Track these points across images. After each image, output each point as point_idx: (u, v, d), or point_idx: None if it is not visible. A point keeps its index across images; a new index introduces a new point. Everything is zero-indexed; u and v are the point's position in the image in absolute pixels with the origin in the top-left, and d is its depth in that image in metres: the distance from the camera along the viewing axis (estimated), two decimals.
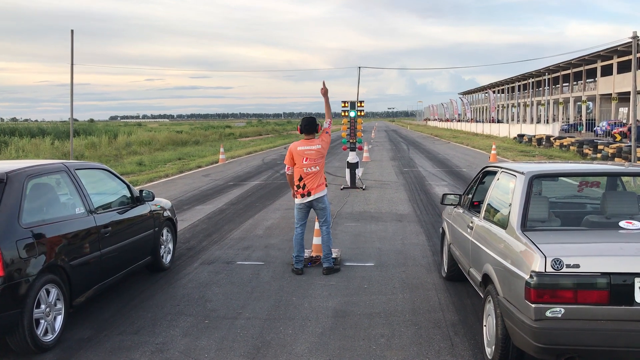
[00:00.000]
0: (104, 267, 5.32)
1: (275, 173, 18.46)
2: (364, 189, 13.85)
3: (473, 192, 5.09)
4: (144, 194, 6.39)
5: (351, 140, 14.22)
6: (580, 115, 48.32)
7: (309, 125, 6.36)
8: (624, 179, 4.21)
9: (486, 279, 3.55)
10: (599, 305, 2.58)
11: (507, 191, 3.76)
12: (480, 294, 3.80)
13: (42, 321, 4.48)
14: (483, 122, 66.99)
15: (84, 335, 4.80)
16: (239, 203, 11.95)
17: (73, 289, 4.85)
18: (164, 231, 6.79)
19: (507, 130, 44.30)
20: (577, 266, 2.66)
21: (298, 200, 6.38)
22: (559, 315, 2.64)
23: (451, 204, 5.38)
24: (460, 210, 5.09)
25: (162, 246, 6.72)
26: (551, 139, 29.41)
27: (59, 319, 4.69)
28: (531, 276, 2.64)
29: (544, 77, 61.74)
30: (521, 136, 35.00)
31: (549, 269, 2.64)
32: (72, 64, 17.44)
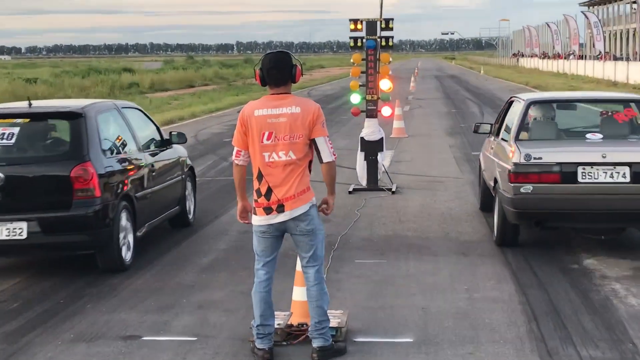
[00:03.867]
0: (153, 206, 9.32)
1: (221, 161, 18.08)
2: (393, 192, 13.29)
3: (499, 120, 10.50)
4: (173, 137, 10.09)
5: (369, 97, 13.42)
6: None
7: (278, 68, 6.06)
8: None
9: (495, 181, 9.17)
10: (554, 184, 7.99)
11: (515, 114, 9.45)
12: (493, 194, 9.50)
13: (122, 242, 8.43)
14: (629, 59, 61.83)
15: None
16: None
17: (137, 220, 8.76)
18: (188, 181, 10.64)
19: None
20: (540, 159, 8.13)
21: (258, 220, 6.16)
22: (529, 191, 8.02)
23: (484, 132, 11.21)
24: (491, 138, 10.55)
25: (187, 198, 10.61)
26: None
27: (131, 244, 8.70)
28: (513, 165, 7.97)
29: None
30: None
31: (522, 161, 7.93)
32: None
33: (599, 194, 8.52)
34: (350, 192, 13.30)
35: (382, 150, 13.58)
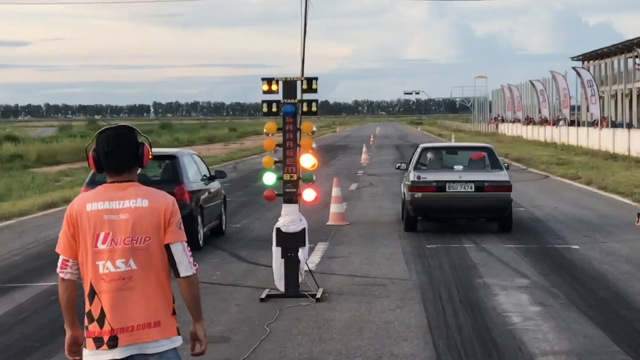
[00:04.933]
0: (209, 215, 18.58)
1: None
2: (318, 299, 13.03)
3: (410, 160, 21.56)
4: (217, 174, 20.27)
5: (287, 176, 13.33)
6: None
7: (118, 150, 5.74)
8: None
9: (404, 194, 20.79)
10: (433, 192, 19.39)
11: (415, 155, 21.45)
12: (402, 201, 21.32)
13: (199, 232, 17.73)
14: (630, 125, 62.37)
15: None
16: None
17: (204, 221, 18.05)
18: (222, 204, 20.21)
19: None
20: (425, 178, 19.61)
21: (86, 356, 5.63)
22: (419, 196, 19.36)
23: (403, 169, 21.91)
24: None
25: (223, 214, 20.33)
26: None
27: (202, 235, 18.00)
28: (410, 182, 19.57)
29: None
30: None
31: (415, 179, 19.54)
32: None
33: (458, 199, 19.47)
34: (262, 300, 12.81)
35: (304, 245, 13.18)
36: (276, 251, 13.21)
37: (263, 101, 13.29)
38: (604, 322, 11.37)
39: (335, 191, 22.08)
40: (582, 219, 22.13)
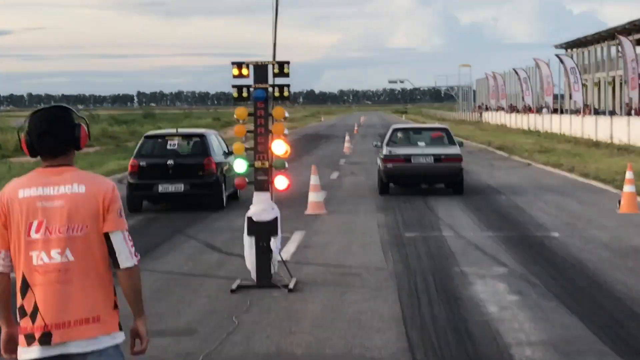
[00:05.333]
0: (228, 183, 22.04)
1: None
2: (290, 290, 12.70)
3: (384, 139, 26.33)
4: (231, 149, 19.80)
5: (258, 164, 12.98)
6: None
7: (52, 132, 5.41)
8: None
9: (379, 165, 25.79)
10: (401, 163, 24.59)
11: (387, 134, 26.72)
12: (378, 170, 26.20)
13: (224, 196, 22.41)
14: (613, 113, 61.73)
15: None
16: None
17: (226, 187, 22.37)
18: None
19: None
20: (395, 152, 24.87)
21: (23, 353, 5.30)
22: (391, 167, 24.61)
23: (377, 146, 27.67)
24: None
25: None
26: None
27: (225, 198, 22.63)
28: (384, 155, 24.84)
29: None
30: None
31: (387, 153, 24.80)
32: None
33: (421, 168, 24.50)
34: (233, 291, 12.50)
35: (277, 234, 12.86)
36: (248, 241, 12.88)
37: (233, 86, 12.94)
38: (583, 311, 11.09)
39: (313, 179, 21.76)
40: (563, 207, 21.88)
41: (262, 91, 12.74)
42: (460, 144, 26.28)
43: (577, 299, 11.79)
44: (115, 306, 5.30)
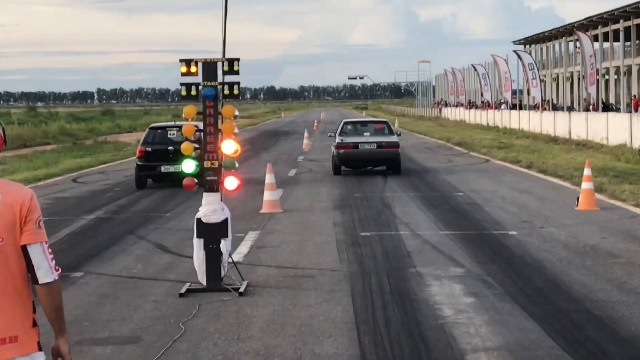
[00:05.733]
0: None
1: None
2: (241, 293, 12.33)
3: (337, 130, 32.40)
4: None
5: (208, 163, 12.59)
6: None
7: None
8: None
9: (333, 153, 31.53)
10: (350, 149, 30.41)
11: (339, 125, 33.13)
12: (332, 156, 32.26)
13: None
14: (571, 109, 61.42)
15: None
16: None
17: None
18: None
19: (628, 127, 40.42)
20: (345, 141, 30.60)
21: None
22: (342, 152, 30.52)
23: (331, 136, 32.77)
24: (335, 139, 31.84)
25: None
26: None
27: None
28: (336, 143, 30.63)
29: None
30: None
31: (339, 141, 30.60)
32: None
33: (366, 153, 30.37)
34: (181, 295, 12.07)
35: (227, 236, 12.43)
36: (197, 243, 12.46)
37: (182, 84, 12.50)
38: (540, 313, 10.76)
39: (268, 177, 21.31)
40: (521, 204, 21.61)
41: (212, 89, 12.32)
42: (398, 134, 32.56)
43: (534, 300, 11.47)
44: (35, 324, 4.85)
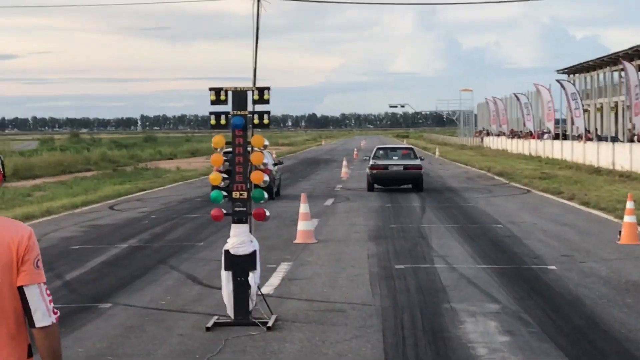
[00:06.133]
0: (276, 183, 35.16)
1: (53, 280, 15.46)
2: (269, 328, 11.99)
3: (370, 155, 39.46)
4: (279, 161, 38.78)
5: (236, 194, 12.32)
6: None
7: None
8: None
9: (368, 173, 38.30)
10: (381, 170, 37.25)
11: (372, 151, 39.90)
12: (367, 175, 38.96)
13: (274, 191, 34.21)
14: (615, 139, 60.44)
15: None
16: None
17: (274, 185, 34.06)
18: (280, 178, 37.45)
19: None
20: (377, 163, 37.50)
21: None
22: (375, 172, 37.43)
23: (366, 159, 40.83)
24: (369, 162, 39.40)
25: (279, 185, 36.90)
26: None
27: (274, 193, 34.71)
28: (370, 165, 37.57)
29: None
30: None
31: (373, 163, 37.54)
32: None
33: (394, 173, 36.69)
34: (208, 329, 11.77)
35: (255, 269, 12.14)
36: (225, 275, 12.20)
37: (211, 113, 12.32)
38: (577, 354, 10.36)
39: (303, 208, 21.03)
40: (562, 237, 21.14)
41: (241, 118, 12.08)
42: (422, 158, 39.14)
43: (572, 340, 11.05)
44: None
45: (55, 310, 4.57)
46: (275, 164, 35.46)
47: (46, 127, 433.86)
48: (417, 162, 37.20)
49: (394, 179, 37.01)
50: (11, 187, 43.50)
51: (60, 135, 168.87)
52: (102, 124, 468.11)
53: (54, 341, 4.59)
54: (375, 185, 37.09)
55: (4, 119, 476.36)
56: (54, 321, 4.56)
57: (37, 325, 4.52)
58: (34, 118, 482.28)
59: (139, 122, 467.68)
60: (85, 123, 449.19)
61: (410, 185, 37.11)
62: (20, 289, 4.50)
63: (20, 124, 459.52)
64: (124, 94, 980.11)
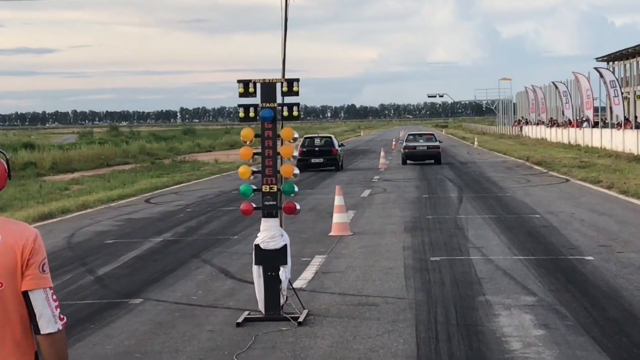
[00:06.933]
0: (340, 159, 50.48)
1: (83, 275, 16.45)
2: (300, 323, 11.75)
3: (405, 138, 57.88)
4: (341, 144, 53.24)
5: (266, 188, 12.11)
6: None
7: None
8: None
9: (402, 151, 54.27)
10: (411, 149, 52.74)
11: (405, 136, 61.79)
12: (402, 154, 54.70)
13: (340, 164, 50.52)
14: None
15: None
16: None
17: (340, 161, 49.71)
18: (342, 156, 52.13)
19: None
20: (409, 144, 53.36)
21: None
22: (407, 151, 53.13)
23: (401, 141, 68.29)
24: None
25: (342, 161, 51.72)
26: None
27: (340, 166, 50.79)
28: (404, 145, 53.96)
29: None
30: None
31: (406, 144, 53.97)
32: None
33: (421, 151, 52.11)
34: (238, 324, 11.60)
35: (286, 263, 11.96)
36: (256, 270, 12.03)
37: (239, 105, 12.13)
38: (614, 347, 10.09)
39: (337, 200, 20.83)
40: (600, 227, 20.79)
41: (270, 110, 11.89)
42: (441, 141, 54.73)
43: (608, 333, 10.78)
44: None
45: (62, 316, 4.40)
46: (340, 145, 49.50)
47: (86, 121, 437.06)
48: (437, 143, 52.35)
49: (420, 156, 51.30)
50: (51, 180, 43.83)
51: (100, 128, 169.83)
52: (142, 117, 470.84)
53: (60, 349, 4.42)
54: (408, 161, 51.19)
55: (44, 112, 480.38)
56: (60, 328, 4.39)
57: (42, 332, 4.36)
58: (74, 112, 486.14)
59: (179, 115, 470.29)
60: (125, 116, 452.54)
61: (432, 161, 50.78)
62: (25, 294, 4.34)
63: (60, 118, 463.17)
64: (163, 87, 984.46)
